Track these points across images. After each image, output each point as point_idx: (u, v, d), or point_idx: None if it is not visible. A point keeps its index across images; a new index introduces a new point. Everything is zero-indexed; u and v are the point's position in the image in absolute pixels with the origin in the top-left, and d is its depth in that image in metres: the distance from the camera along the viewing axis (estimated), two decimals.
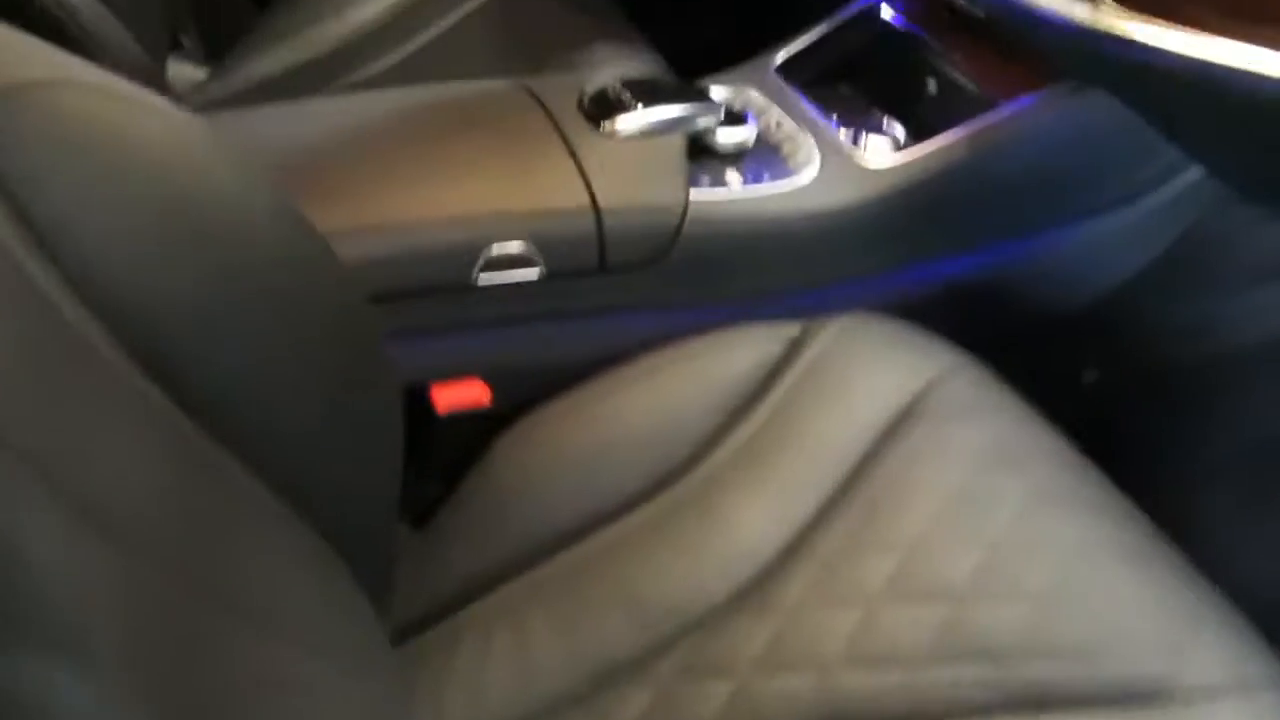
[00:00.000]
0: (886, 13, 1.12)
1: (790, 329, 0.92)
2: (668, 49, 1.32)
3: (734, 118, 0.97)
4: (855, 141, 1.00)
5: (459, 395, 0.87)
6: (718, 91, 1.03)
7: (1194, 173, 1.03)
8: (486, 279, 0.83)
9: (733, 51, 1.13)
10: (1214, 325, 1.12)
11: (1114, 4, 0.82)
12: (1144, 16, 0.81)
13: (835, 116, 1.04)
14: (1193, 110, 0.88)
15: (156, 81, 0.99)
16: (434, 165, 0.84)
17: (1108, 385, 1.15)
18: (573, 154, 0.87)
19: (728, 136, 0.95)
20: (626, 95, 0.92)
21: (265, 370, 0.56)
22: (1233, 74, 0.77)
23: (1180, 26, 0.79)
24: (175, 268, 0.51)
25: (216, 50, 1.42)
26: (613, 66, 1.20)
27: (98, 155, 0.49)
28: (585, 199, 0.85)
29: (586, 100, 0.93)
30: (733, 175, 0.95)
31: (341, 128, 0.86)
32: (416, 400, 0.86)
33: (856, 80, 1.12)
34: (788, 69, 1.09)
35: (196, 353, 0.51)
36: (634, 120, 0.90)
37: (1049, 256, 1.05)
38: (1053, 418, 0.86)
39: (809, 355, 0.88)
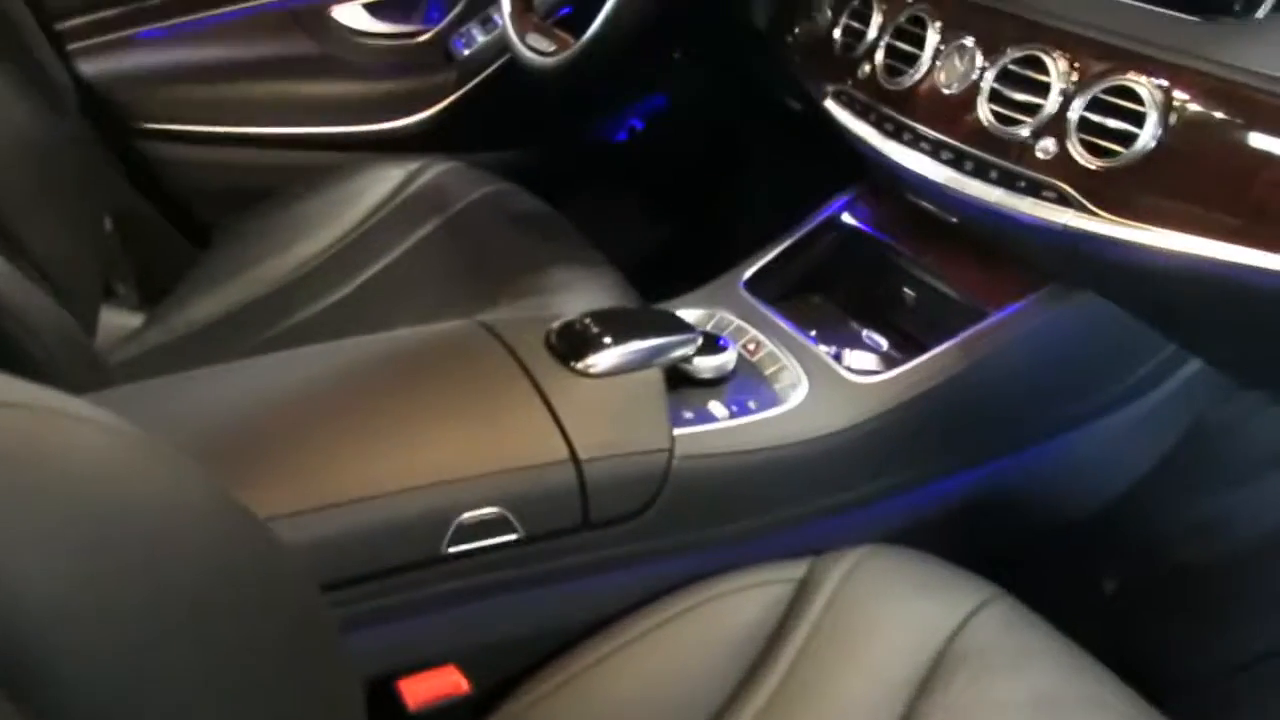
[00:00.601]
0: (850, 219, 1.09)
1: (796, 568, 0.83)
2: (627, 265, 1.29)
3: (710, 342, 0.91)
4: (838, 358, 0.95)
5: (432, 686, 0.75)
6: (687, 315, 0.98)
7: (1193, 364, 0.99)
8: (457, 548, 0.74)
9: (695, 266, 1.10)
10: (1231, 519, 1.06)
11: (1095, 207, 0.80)
12: (1127, 219, 0.78)
13: (813, 332, 0.99)
14: (1187, 305, 0.85)
15: (84, 356, 0.91)
16: (389, 428, 0.75)
17: (1129, 593, 1.07)
18: (545, 399, 0.80)
19: (707, 364, 0.89)
20: (596, 329, 0.85)
21: (197, 709, 0.46)
22: (1225, 269, 0.73)
23: (1164, 228, 0.76)
24: (95, 604, 0.41)
25: (153, 294, 1.36)
26: (574, 292, 1.15)
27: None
28: (563, 451, 0.77)
29: (554, 337, 0.86)
30: (716, 405, 0.88)
31: (281, 392, 0.78)
32: (382, 697, 0.74)
33: (828, 291, 1.08)
34: (756, 285, 1.05)
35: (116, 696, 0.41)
36: (607, 356, 0.83)
37: (1054, 464, 0.99)
38: (1077, 632, 0.79)
39: (822, 597, 0.80)
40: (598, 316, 0.87)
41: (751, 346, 0.95)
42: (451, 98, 1.56)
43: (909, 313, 1.03)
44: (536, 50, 1.15)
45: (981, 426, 0.95)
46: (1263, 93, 0.71)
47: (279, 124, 1.54)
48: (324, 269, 1.27)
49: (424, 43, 1.58)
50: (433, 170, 1.42)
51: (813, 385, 0.90)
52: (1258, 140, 0.72)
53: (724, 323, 0.98)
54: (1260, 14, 0.76)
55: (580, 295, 1.15)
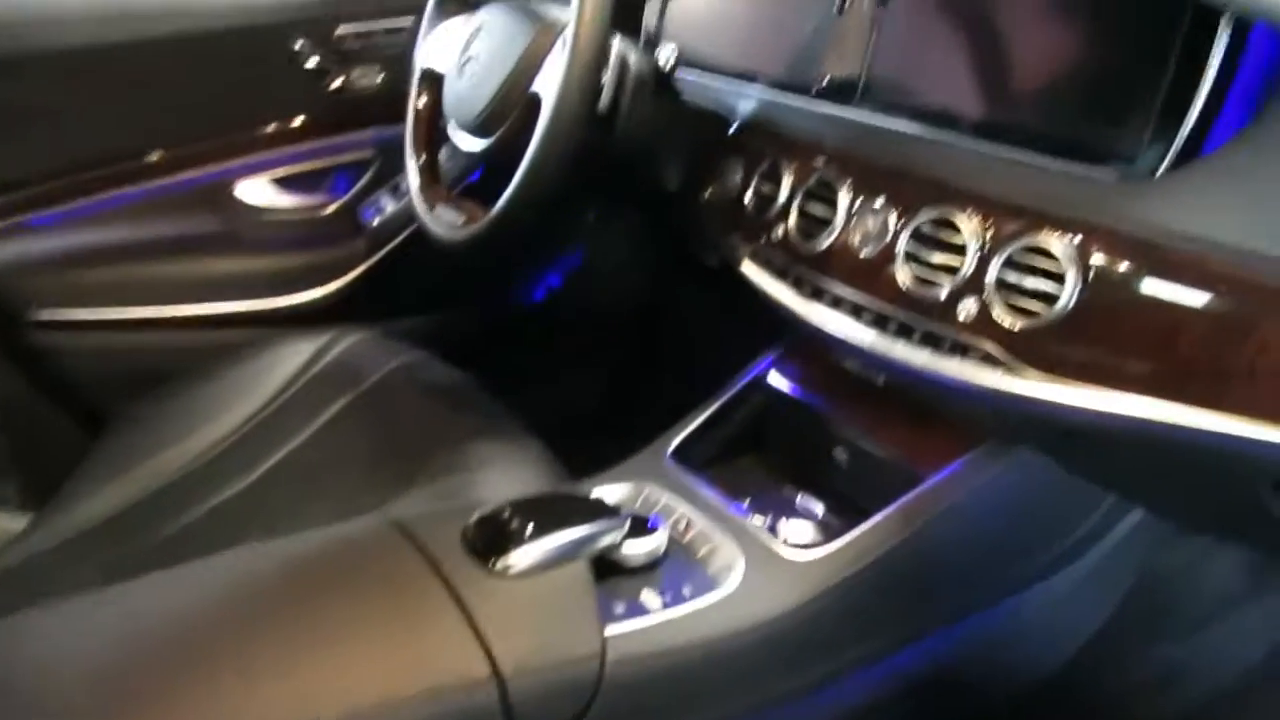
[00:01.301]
0: (777, 379, 1.07)
1: None
2: (550, 431, 1.24)
3: (639, 525, 0.86)
4: (774, 530, 0.90)
5: None
6: (613, 492, 0.94)
7: (1136, 514, 0.97)
8: None
9: (622, 427, 1.06)
10: (1186, 671, 1.02)
11: (1023, 367, 0.78)
12: (1055, 378, 0.76)
13: (747, 503, 0.94)
14: (1124, 460, 0.83)
15: None
16: (286, 657, 0.68)
17: None
18: (463, 608, 0.73)
19: (636, 550, 0.84)
20: (517, 522, 0.80)
21: None
22: (1157, 426, 0.71)
23: (1094, 385, 0.74)
24: None
25: (41, 494, 1.26)
26: (495, 470, 1.09)
27: None
28: (484, 667, 0.70)
29: (471, 532, 0.81)
30: (649, 594, 0.82)
31: (163, 622, 0.70)
32: None
33: (759, 455, 1.05)
34: (684, 453, 1.00)
35: None
36: (530, 552, 0.77)
37: (1004, 629, 0.95)
38: None
39: None
40: (518, 507, 0.82)
41: (683, 525, 0.90)
42: (362, 267, 1.53)
43: (843, 476, 0.99)
44: (445, 223, 1.13)
45: (926, 596, 0.91)
46: (1175, 249, 0.71)
47: (183, 303, 1.49)
48: (226, 456, 1.20)
49: (332, 214, 1.55)
50: (343, 342, 1.37)
51: (749, 565, 0.85)
52: (1177, 296, 0.71)
53: (652, 500, 0.93)
54: (1159, 173, 0.76)
55: (501, 473, 1.09)
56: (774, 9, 1.14)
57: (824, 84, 1.03)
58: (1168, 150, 0.76)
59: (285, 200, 1.53)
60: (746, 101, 1.11)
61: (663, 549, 0.85)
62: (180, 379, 1.35)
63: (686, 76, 1.20)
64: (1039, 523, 0.93)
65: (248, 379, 1.31)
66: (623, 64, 1.08)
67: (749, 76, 1.13)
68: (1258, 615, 1.02)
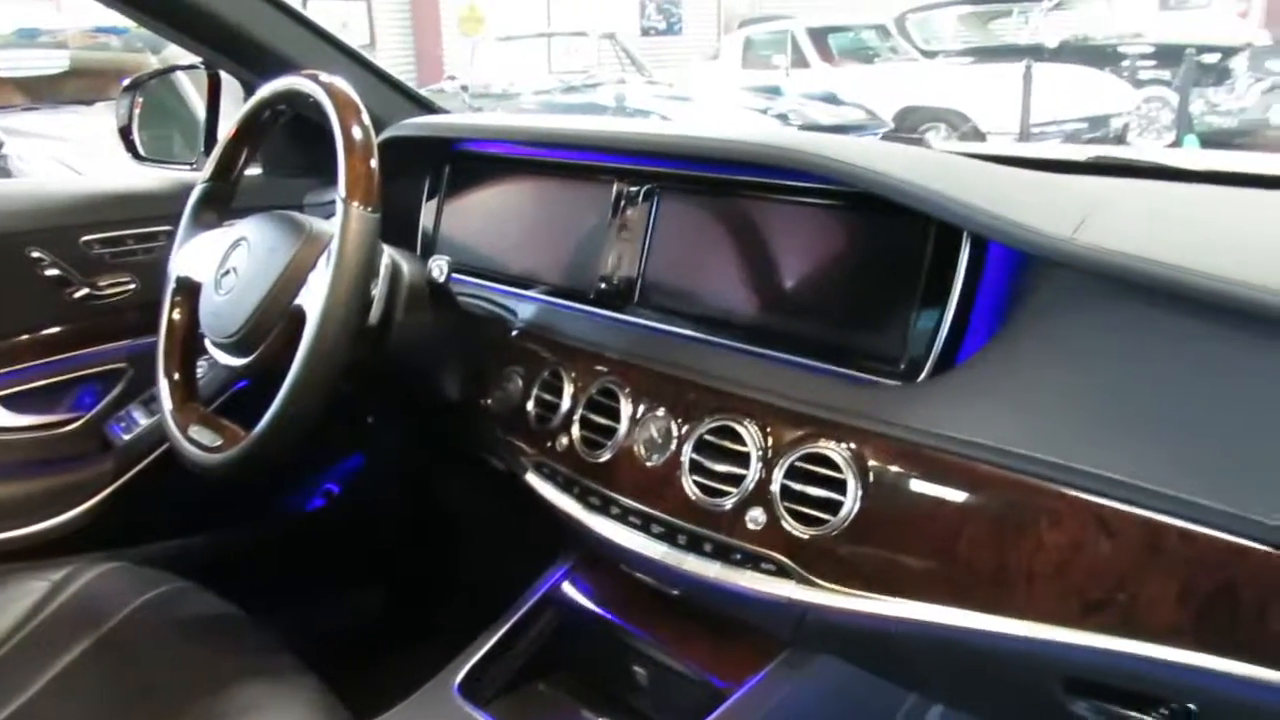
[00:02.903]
0: (569, 592, 1.01)
1: None
2: (331, 655, 1.13)
3: None
4: None
5: None
6: None
7: (939, 709, 0.96)
8: None
9: (409, 651, 0.97)
10: None
11: (815, 577, 0.77)
12: (847, 587, 0.76)
13: None
14: (923, 664, 0.82)
15: None
16: None
17: None
18: None
19: None
20: None
21: None
22: (950, 631, 0.72)
23: (885, 594, 0.74)
24: None
25: None
26: (261, 717, 0.97)
27: None
28: None
29: None
30: None
31: None
32: None
33: (557, 678, 0.98)
34: (472, 685, 0.93)
35: None
36: None
37: None
38: None
39: None
40: None
41: None
42: (108, 490, 1.38)
43: (645, 694, 0.94)
44: (199, 445, 1.03)
45: None
46: (944, 452, 0.73)
47: None
48: None
49: (74, 431, 1.40)
50: (86, 575, 1.21)
51: None
52: (952, 498, 0.72)
53: None
54: (921, 378, 0.79)
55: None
56: (549, 219, 1.15)
57: (601, 290, 1.03)
58: (928, 358, 0.79)
59: (19, 419, 1.38)
60: (526, 308, 1.10)
61: None
62: None
63: (466, 283, 1.18)
64: None
65: None
66: (394, 275, 1.05)
67: (528, 283, 1.13)
68: None
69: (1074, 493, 0.67)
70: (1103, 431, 0.68)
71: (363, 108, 0.96)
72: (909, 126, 7.31)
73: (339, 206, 0.92)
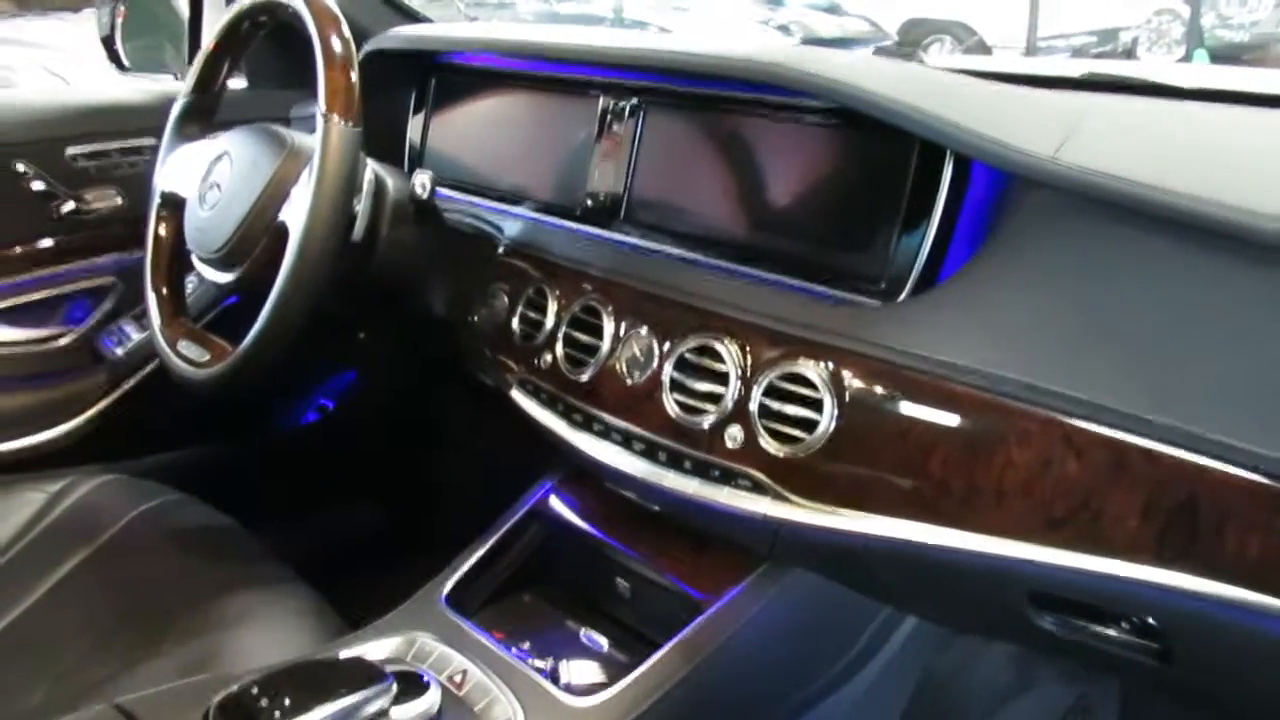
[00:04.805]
0: (556, 507, 1.03)
1: None
2: (327, 565, 1.15)
3: (410, 683, 0.79)
4: (555, 674, 0.86)
5: None
6: (382, 647, 0.87)
7: (911, 620, 0.99)
8: None
9: (403, 558, 0.99)
10: None
11: (790, 493, 0.79)
12: (822, 503, 0.77)
13: (526, 644, 0.90)
14: (895, 578, 0.84)
15: None
16: None
17: None
18: None
19: (407, 713, 0.77)
20: (267, 701, 0.72)
21: None
22: (921, 548, 0.73)
23: (859, 510, 0.76)
24: None
25: None
26: (254, 627, 1.00)
27: None
28: None
29: (213, 713, 0.72)
30: None
31: None
32: None
33: (540, 589, 1.00)
34: (460, 596, 0.95)
35: None
36: None
37: None
38: None
39: None
40: (268, 683, 0.74)
41: (458, 678, 0.84)
42: (103, 403, 1.39)
43: (626, 606, 0.97)
44: (187, 360, 1.04)
45: None
46: (921, 372, 0.74)
47: None
48: None
49: (66, 346, 1.41)
50: (82, 488, 1.23)
51: (530, 717, 0.80)
52: (927, 417, 0.73)
53: (425, 652, 0.87)
54: (902, 299, 0.80)
55: (262, 633, 1.00)
56: (536, 134, 1.14)
57: (587, 207, 1.03)
58: (909, 277, 0.79)
59: (11, 333, 1.38)
60: (513, 225, 1.10)
61: (436, 708, 0.79)
62: None
63: (454, 199, 1.18)
64: (822, 638, 0.94)
65: None
66: (379, 190, 1.04)
67: (515, 199, 1.12)
68: (1031, 704, 1.06)
69: (1043, 412, 0.68)
70: (1073, 352, 0.68)
71: (342, 18, 0.95)
72: (914, 39, 7.17)
73: (319, 121, 0.91)
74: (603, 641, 0.93)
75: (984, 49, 7.13)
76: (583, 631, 0.95)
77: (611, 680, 0.84)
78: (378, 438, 1.65)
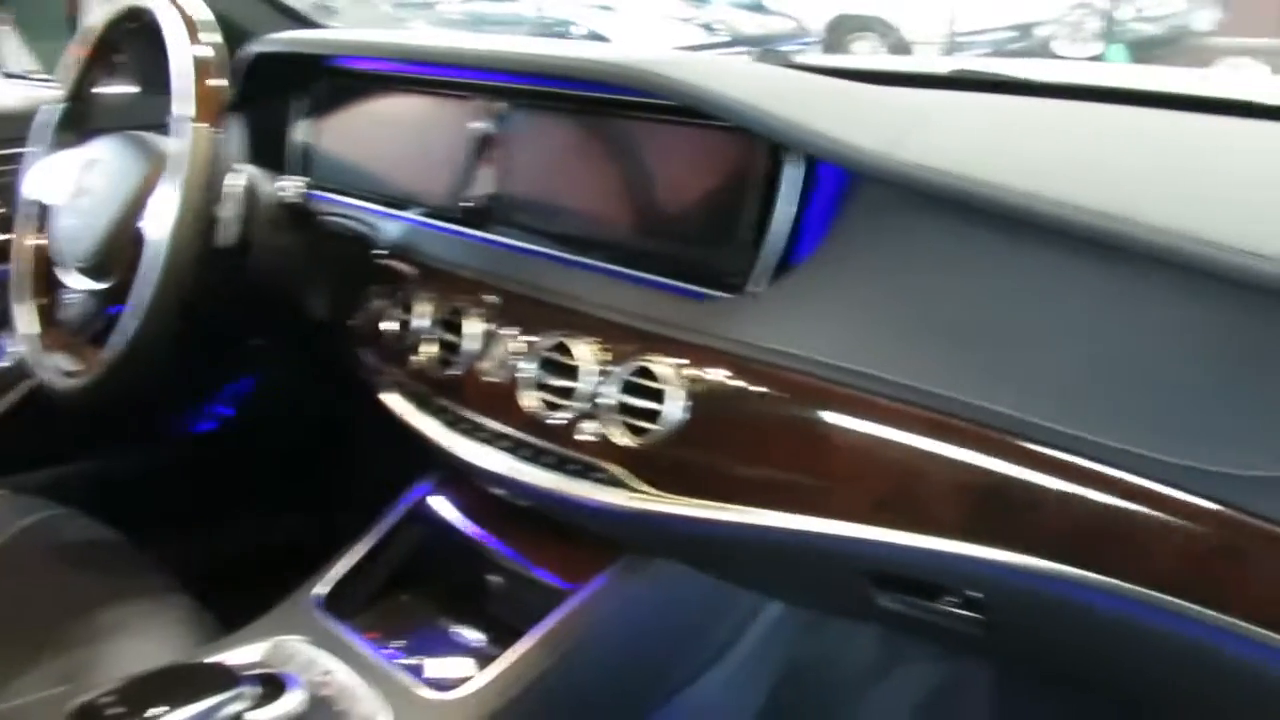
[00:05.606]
0: (435, 507, 1.04)
1: None
2: (219, 578, 1.15)
3: (275, 685, 0.80)
4: (421, 671, 0.87)
5: None
6: (250, 652, 0.87)
7: (776, 605, 1.02)
8: None
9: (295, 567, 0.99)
10: None
11: (643, 485, 0.81)
12: (673, 494, 0.79)
13: (400, 643, 0.91)
14: (753, 563, 0.87)
15: None
16: None
17: None
18: None
19: (267, 715, 0.78)
20: (123, 707, 0.72)
21: None
22: (769, 532, 0.76)
23: (709, 499, 0.78)
24: None
25: None
26: (129, 637, 0.99)
27: None
28: None
29: None
30: None
31: None
32: None
33: (417, 589, 1.01)
34: (336, 598, 0.96)
35: None
36: None
37: None
38: None
39: None
40: (124, 690, 0.74)
41: (324, 679, 0.85)
42: None
43: (500, 601, 0.98)
44: (59, 371, 1.03)
45: (584, 714, 0.90)
46: (762, 364, 0.76)
47: None
48: None
49: None
50: None
51: (395, 714, 0.81)
52: (767, 407, 0.76)
53: (292, 654, 0.88)
54: (759, 289, 0.82)
55: (137, 640, 0.99)
56: (417, 137, 1.14)
57: (464, 209, 1.04)
58: (760, 272, 0.82)
59: None
60: (391, 228, 1.10)
61: (299, 710, 0.80)
62: None
63: (338, 203, 1.18)
64: (687, 624, 0.96)
65: None
66: (251, 196, 1.04)
67: (400, 203, 1.13)
68: (898, 683, 1.10)
69: (872, 398, 0.71)
70: (903, 341, 0.71)
71: (204, 22, 0.95)
72: (838, 35, 7.27)
73: (181, 126, 0.91)
74: (475, 637, 0.94)
75: (905, 45, 7.26)
76: (455, 630, 0.96)
77: (477, 674, 0.86)
78: (281, 444, 1.64)
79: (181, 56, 0.92)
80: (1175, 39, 8.12)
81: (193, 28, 0.93)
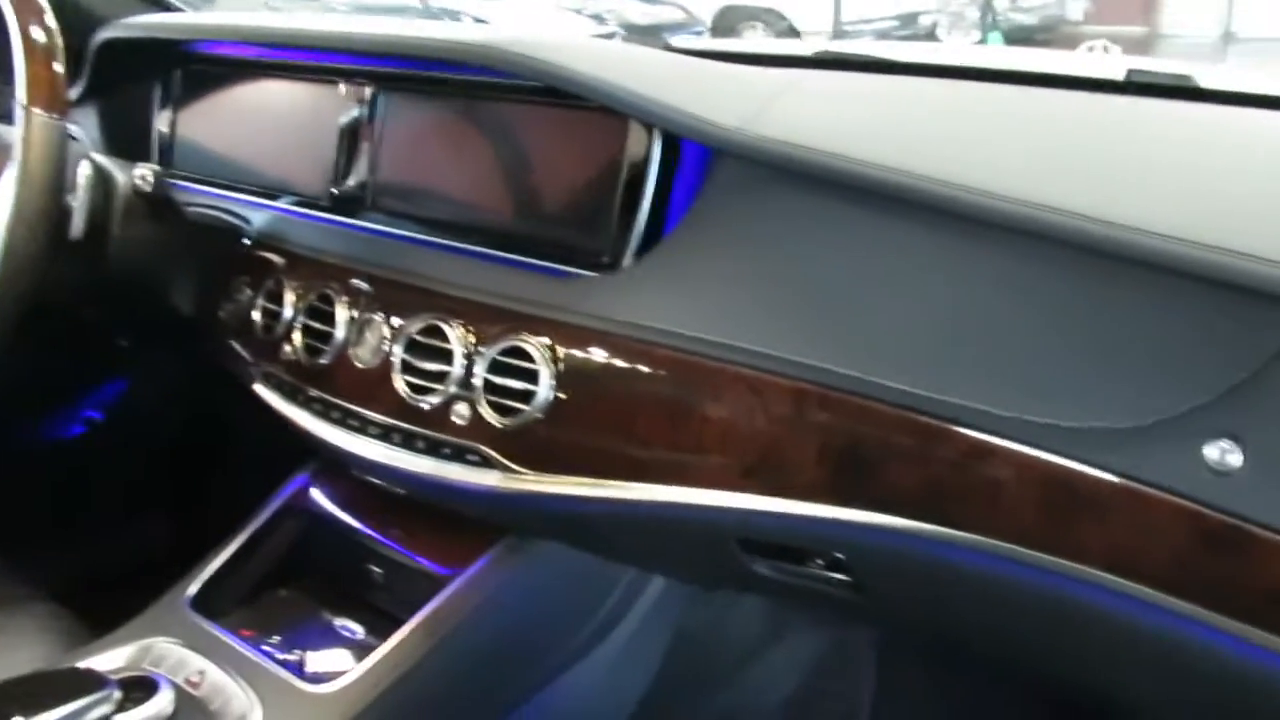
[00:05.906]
0: (313, 499, 1.02)
1: None
2: (95, 587, 1.11)
3: (142, 688, 0.78)
4: (299, 667, 0.86)
5: None
6: (115, 657, 0.85)
7: (659, 581, 1.03)
8: None
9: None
10: (735, 713, 1.09)
11: (516, 465, 0.81)
12: (545, 472, 0.79)
13: (276, 640, 0.89)
14: (631, 540, 0.87)
15: None
16: None
17: None
18: None
19: (136, 717, 0.76)
20: None
21: None
22: (638, 507, 0.76)
23: (581, 476, 0.78)
24: None
25: None
26: None
27: None
28: None
29: None
30: None
31: None
32: None
33: (296, 583, 0.99)
34: (208, 596, 0.93)
35: None
36: None
37: (558, 710, 0.96)
38: None
39: None
40: None
41: (195, 679, 0.83)
42: None
43: (380, 590, 0.97)
44: None
45: (471, 697, 0.90)
46: (627, 339, 0.77)
47: None
48: None
49: None
50: None
51: (267, 710, 0.80)
52: (634, 383, 0.76)
53: (162, 655, 0.85)
54: (625, 264, 0.82)
55: None
56: (283, 124, 1.12)
57: (334, 196, 1.02)
58: (626, 249, 0.82)
59: None
60: (258, 217, 1.08)
61: (168, 711, 0.78)
62: None
63: (203, 193, 1.14)
64: (569, 602, 0.97)
65: None
66: (106, 186, 1.00)
67: (265, 191, 1.10)
68: (783, 653, 1.12)
69: (734, 369, 0.72)
70: (762, 311, 0.73)
71: (44, 7, 0.91)
72: (727, 24, 7.34)
73: (18, 113, 0.87)
74: (356, 629, 0.93)
75: (794, 34, 7.37)
76: (336, 621, 0.94)
77: (355, 665, 0.84)
78: (156, 445, 1.59)
79: (25, 41, 0.88)
80: (1049, 27, 8.44)
81: (37, 12, 0.89)
